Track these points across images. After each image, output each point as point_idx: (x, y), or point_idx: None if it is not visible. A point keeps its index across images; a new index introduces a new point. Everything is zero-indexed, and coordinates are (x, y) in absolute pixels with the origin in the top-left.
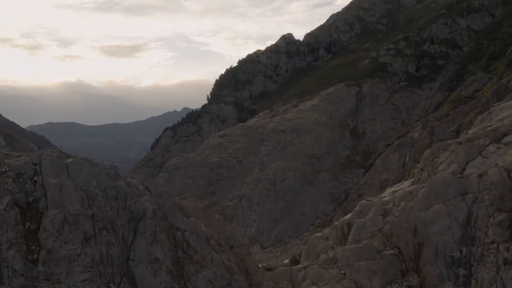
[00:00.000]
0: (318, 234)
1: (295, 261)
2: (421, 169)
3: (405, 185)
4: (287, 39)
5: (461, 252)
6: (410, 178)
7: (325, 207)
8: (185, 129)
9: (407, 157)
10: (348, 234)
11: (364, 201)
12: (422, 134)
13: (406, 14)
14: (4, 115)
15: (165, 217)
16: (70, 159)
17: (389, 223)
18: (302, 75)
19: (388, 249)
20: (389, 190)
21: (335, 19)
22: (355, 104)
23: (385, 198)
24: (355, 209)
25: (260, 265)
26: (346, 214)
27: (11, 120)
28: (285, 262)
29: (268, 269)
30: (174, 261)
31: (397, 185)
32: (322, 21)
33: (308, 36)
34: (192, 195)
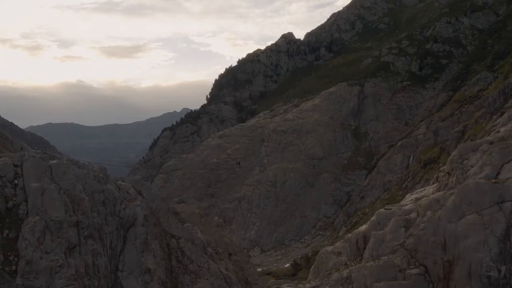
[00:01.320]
0: (329, 248)
1: (296, 265)
2: (448, 172)
3: (429, 191)
4: (288, 38)
5: (499, 271)
6: (432, 183)
7: (327, 209)
8: (183, 129)
9: (411, 158)
10: (364, 248)
11: (382, 209)
12: (426, 134)
13: (408, 13)
14: (4, 116)
15: (158, 223)
16: (54, 161)
17: (413, 236)
18: (303, 74)
19: (413, 268)
20: (409, 197)
21: (336, 18)
22: (357, 104)
23: (407, 207)
24: (372, 219)
25: (260, 269)
26: (349, 217)
27: (11, 120)
28: (285, 266)
29: (268, 273)
30: (168, 271)
31: (418, 191)
32: (322, 22)
33: (308, 35)
34: (191, 197)
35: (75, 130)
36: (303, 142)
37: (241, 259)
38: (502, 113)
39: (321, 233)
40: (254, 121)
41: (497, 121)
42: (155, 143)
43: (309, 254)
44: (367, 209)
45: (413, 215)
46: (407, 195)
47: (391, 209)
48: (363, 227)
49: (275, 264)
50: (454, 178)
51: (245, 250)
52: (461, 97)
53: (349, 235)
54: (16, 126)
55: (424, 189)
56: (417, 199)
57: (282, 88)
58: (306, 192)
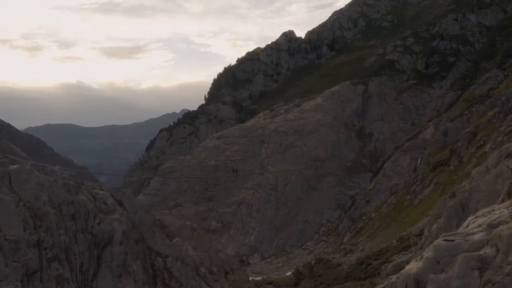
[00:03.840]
0: None
1: (298, 274)
2: None
3: (503, 213)
4: (288, 36)
5: None
6: (501, 201)
7: (330, 214)
8: (181, 130)
9: (419, 160)
10: None
11: (441, 241)
12: (434, 135)
13: (412, 10)
14: (3, 117)
15: (141, 240)
16: (15, 166)
17: (494, 284)
18: (304, 73)
19: None
20: (475, 221)
21: (338, 16)
22: (361, 104)
23: (476, 237)
24: (426, 255)
25: (260, 278)
26: (354, 222)
27: (10, 121)
28: (287, 274)
29: (269, 283)
30: None
31: (484, 211)
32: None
33: (310, 33)
34: (188, 201)
35: (74, 131)
36: (305, 143)
37: (240, 277)
38: None
39: (324, 239)
40: (254, 121)
41: None
42: (151, 144)
43: (312, 262)
44: (372, 214)
45: (489, 250)
46: (469, 217)
47: (453, 240)
48: (413, 267)
49: (276, 272)
50: None
51: (244, 257)
52: (471, 96)
53: (393, 277)
54: (13, 127)
55: (493, 210)
56: (490, 226)
57: (282, 87)
58: (308, 196)
